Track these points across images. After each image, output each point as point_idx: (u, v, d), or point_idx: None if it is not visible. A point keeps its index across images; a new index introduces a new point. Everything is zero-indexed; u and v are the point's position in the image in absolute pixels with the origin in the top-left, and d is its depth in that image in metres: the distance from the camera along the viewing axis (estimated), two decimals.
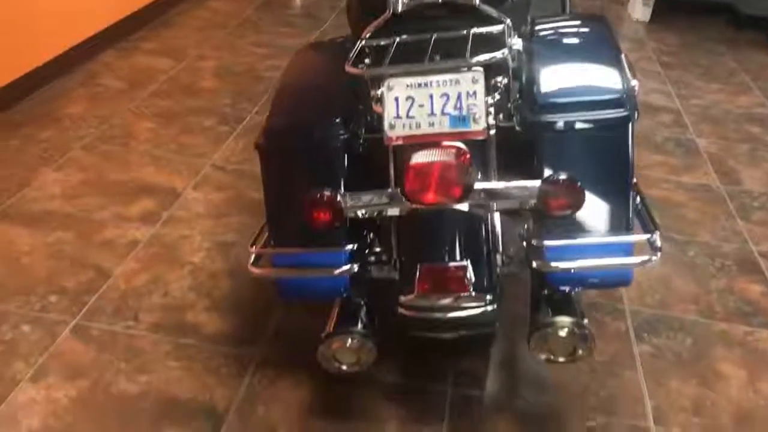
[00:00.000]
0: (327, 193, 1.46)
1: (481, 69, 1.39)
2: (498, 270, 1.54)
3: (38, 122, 2.94)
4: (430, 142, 1.42)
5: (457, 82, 1.40)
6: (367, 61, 1.48)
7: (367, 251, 1.60)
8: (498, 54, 1.37)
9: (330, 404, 1.74)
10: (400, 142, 1.43)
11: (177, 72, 3.50)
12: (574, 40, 1.78)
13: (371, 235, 1.62)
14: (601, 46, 1.69)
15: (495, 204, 1.47)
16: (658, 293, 2.16)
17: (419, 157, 1.40)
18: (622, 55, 1.61)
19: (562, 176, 1.40)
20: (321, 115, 1.58)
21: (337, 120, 1.55)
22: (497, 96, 1.48)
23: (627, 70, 1.58)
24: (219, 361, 1.84)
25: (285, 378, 1.79)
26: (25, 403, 1.69)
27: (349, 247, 1.52)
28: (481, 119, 1.40)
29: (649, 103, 3.43)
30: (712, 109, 3.41)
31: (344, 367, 1.55)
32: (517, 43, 1.58)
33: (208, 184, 2.61)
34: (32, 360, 1.81)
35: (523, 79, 1.59)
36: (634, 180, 1.54)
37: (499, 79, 1.54)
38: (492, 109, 1.56)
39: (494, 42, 1.49)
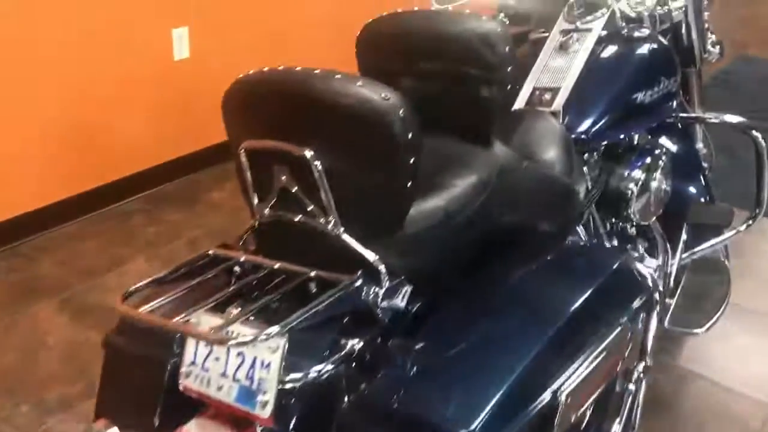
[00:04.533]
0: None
1: (284, 337, 1.00)
2: None
3: (176, 202, 3.04)
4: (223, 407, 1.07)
5: (255, 344, 1.02)
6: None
7: None
8: (261, 336, 0.97)
9: None
10: (194, 395, 1.10)
11: None
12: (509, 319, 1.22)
13: None
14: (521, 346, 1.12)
15: None
16: None
17: (192, 426, 1.06)
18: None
19: None
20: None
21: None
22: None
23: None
24: None
25: None
26: None
27: None
28: (269, 404, 1.01)
29: None
30: None
31: None
32: (396, 299, 1.12)
33: None
34: None
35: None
36: None
37: (355, 341, 1.12)
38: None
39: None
